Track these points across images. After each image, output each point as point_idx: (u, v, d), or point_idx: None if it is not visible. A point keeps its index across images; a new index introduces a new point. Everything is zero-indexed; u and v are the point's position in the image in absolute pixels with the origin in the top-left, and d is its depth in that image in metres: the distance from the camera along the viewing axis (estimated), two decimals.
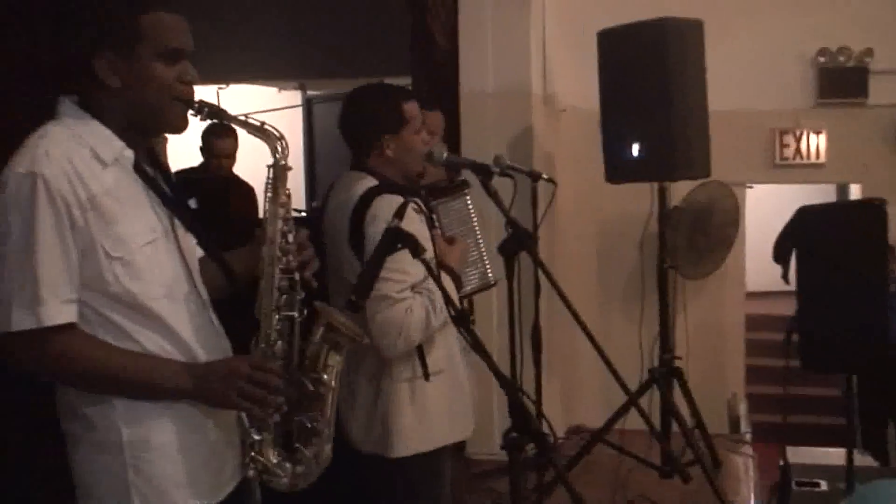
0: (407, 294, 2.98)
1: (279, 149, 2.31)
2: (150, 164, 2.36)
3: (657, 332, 4.93)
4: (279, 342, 2.30)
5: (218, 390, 2.22)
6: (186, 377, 2.21)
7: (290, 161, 2.38)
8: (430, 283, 3.00)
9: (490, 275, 3.41)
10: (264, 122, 2.30)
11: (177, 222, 2.34)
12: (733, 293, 6.13)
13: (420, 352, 3.09)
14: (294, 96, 10.67)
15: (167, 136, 2.45)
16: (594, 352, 2.78)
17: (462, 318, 2.41)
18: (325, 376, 2.38)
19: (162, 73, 2.25)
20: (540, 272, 3.00)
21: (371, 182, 3.11)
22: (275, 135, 2.31)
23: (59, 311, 2.12)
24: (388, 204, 2.99)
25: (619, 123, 4.88)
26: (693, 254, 5.48)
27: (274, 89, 10.75)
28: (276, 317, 2.29)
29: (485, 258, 3.40)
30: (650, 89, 4.70)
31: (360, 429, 3.12)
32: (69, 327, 2.15)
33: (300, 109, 10.08)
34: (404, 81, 5.87)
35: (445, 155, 3.25)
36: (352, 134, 3.25)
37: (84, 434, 2.23)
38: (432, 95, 5.11)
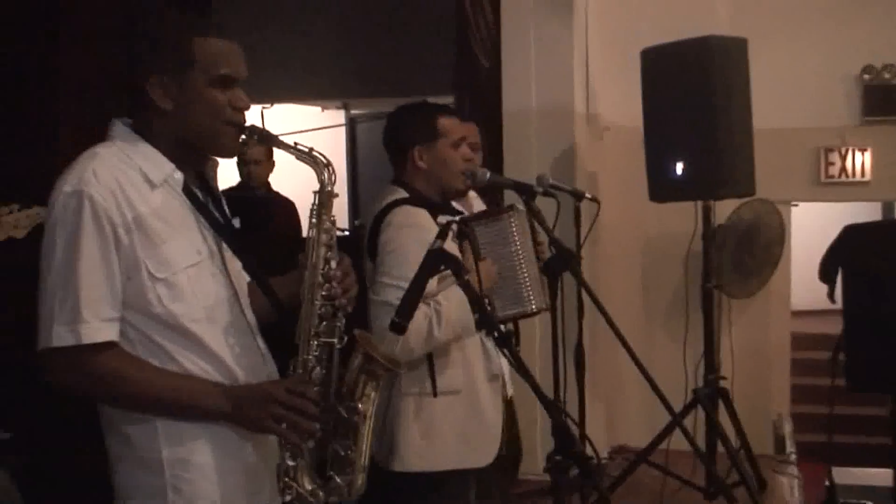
0: None
1: (326, 175, 2.31)
2: (200, 188, 2.38)
3: (702, 352, 4.88)
4: (317, 368, 2.30)
5: (253, 414, 2.22)
6: (224, 399, 2.21)
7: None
8: (440, 295, 3.00)
9: (531, 302, 3.26)
10: (312, 148, 2.31)
11: (224, 246, 2.36)
12: (779, 312, 6.07)
13: (430, 367, 3.07)
14: (337, 115, 10.72)
15: (218, 160, 2.46)
16: (638, 372, 2.76)
17: (504, 340, 2.39)
18: (361, 406, 2.35)
19: (214, 97, 2.27)
20: (584, 292, 2.99)
21: (401, 195, 3.14)
22: (322, 161, 2.31)
23: (99, 329, 2.14)
24: (404, 214, 3.02)
25: (662, 142, 4.86)
26: (738, 273, 5.44)
27: (317, 108, 10.81)
28: (315, 343, 2.29)
29: (526, 284, 3.28)
30: (694, 107, 4.67)
31: (373, 436, 3.10)
32: (109, 346, 2.16)
33: (343, 129, 10.13)
34: (447, 100, 5.89)
35: (489, 175, 3.24)
36: (388, 146, 3.30)
37: (125, 451, 2.24)
38: (475, 114, 5.11)
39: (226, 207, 2.45)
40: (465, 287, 2.41)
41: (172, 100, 2.27)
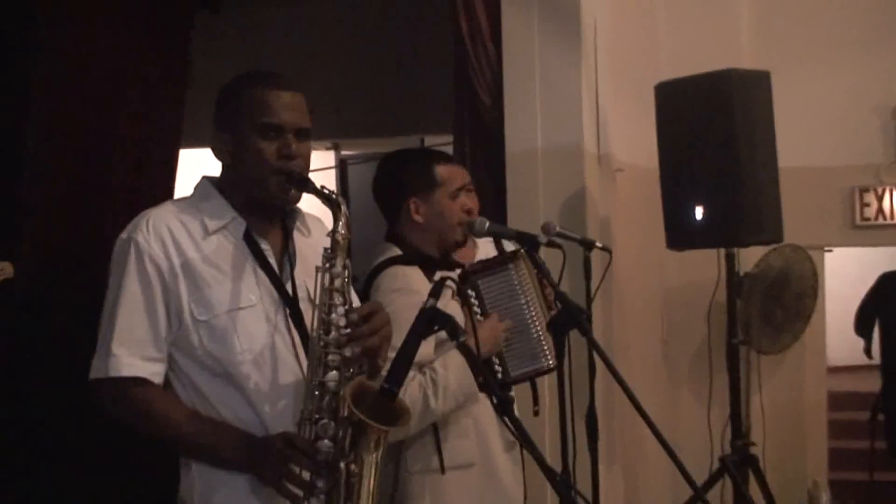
0: None
1: (341, 219, 2.46)
2: (283, 240, 2.63)
3: (728, 414, 4.84)
4: (323, 420, 2.37)
5: (262, 466, 2.39)
6: (244, 450, 2.43)
7: None
8: (437, 362, 2.98)
9: (548, 357, 3.28)
10: (335, 192, 2.49)
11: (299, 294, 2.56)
12: (813, 369, 6.02)
13: (436, 439, 3.04)
14: (327, 156, 10.73)
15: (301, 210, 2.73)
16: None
17: (504, 406, 2.37)
18: (354, 467, 2.35)
19: (260, 147, 2.52)
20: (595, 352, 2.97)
21: (393, 252, 3.13)
22: (339, 205, 2.47)
23: (129, 364, 2.44)
24: (391, 276, 3.05)
25: (680, 184, 4.85)
26: (767, 326, 5.41)
27: None
28: (317, 393, 2.37)
29: (540, 338, 3.29)
30: (714, 146, 4.67)
31: None
32: (142, 381, 2.46)
33: (333, 171, 10.14)
34: (445, 140, 5.90)
35: (487, 225, 3.23)
36: (381, 198, 3.33)
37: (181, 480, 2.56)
38: (476, 155, 5.11)
39: (293, 260, 2.63)
40: (464, 350, 2.41)
41: (230, 153, 2.58)
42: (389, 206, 3.30)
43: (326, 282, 2.43)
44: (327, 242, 2.47)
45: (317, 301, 2.44)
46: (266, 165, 2.52)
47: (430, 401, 2.98)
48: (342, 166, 9.75)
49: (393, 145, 7.96)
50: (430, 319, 2.40)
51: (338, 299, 2.42)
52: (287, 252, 2.63)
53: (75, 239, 4.71)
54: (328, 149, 10.64)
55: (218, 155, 2.61)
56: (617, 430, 5.16)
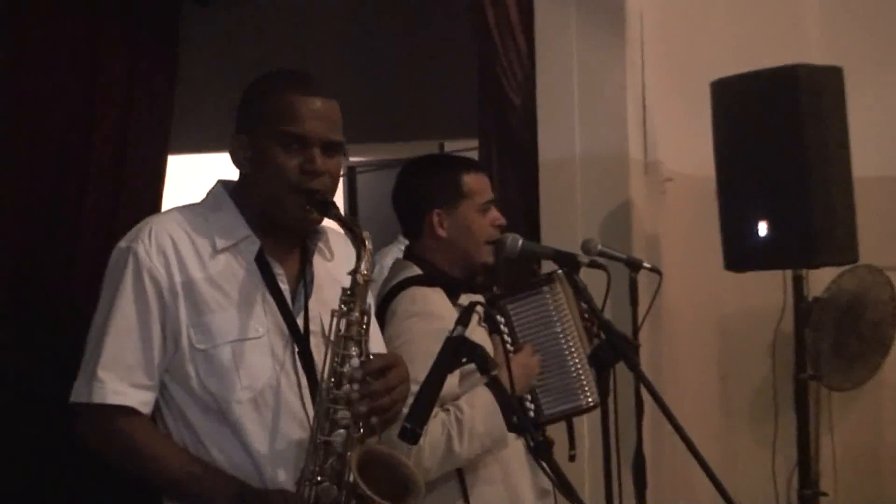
0: None
1: (365, 258, 2.45)
2: (300, 264, 2.63)
3: (796, 460, 4.84)
4: (325, 483, 2.38)
5: None
6: (237, 501, 2.41)
7: None
8: (462, 400, 2.99)
9: (587, 394, 3.32)
10: (360, 225, 2.48)
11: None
12: (892, 408, 6.01)
13: (462, 485, 3.05)
14: None
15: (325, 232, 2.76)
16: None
17: (540, 449, 2.39)
18: None
19: (280, 159, 2.51)
20: (643, 387, 2.98)
21: (412, 272, 3.14)
22: (364, 241, 2.46)
23: (114, 391, 2.44)
24: (410, 299, 3.06)
25: (740, 196, 4.87)
26: (840, 359, 5.40)
27: None
28: (321, 452, 2.39)
29: (578, 372, 3.32)
30: (779, 153, 4.68)
31: None
32: (128, 411, 2.46)
33: (340, 181, 10.18)
34: (468, 146, 5.92)
35: (521, 243, 3.25)
36: (400, 210, 3.35)
37: None
38: (504, 162, 5.13)
39: (308, 289, 2.63)
40: (494, 386, 2.41)
41: (248, 162, 2.58)
42: (410, 219, 3.32)
43: (342, 328, 2.43)
44: (351, 266, 2.46)
45: (329, 350, 2.45)
46: (284, 182, 2.52)
47: (453, 444, 2.99)
48: (350, 175, 9.78)
49: (408, 151, 7.97)
50: (457, 350, 2.41)
51: (353, 349, 2.43)
52: (303, 279, 2.63)
53: (44, 254, 4.69)
54: None
55: (235, 160, 2.62)
56: (667, 478, 5.16)
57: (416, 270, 3.19)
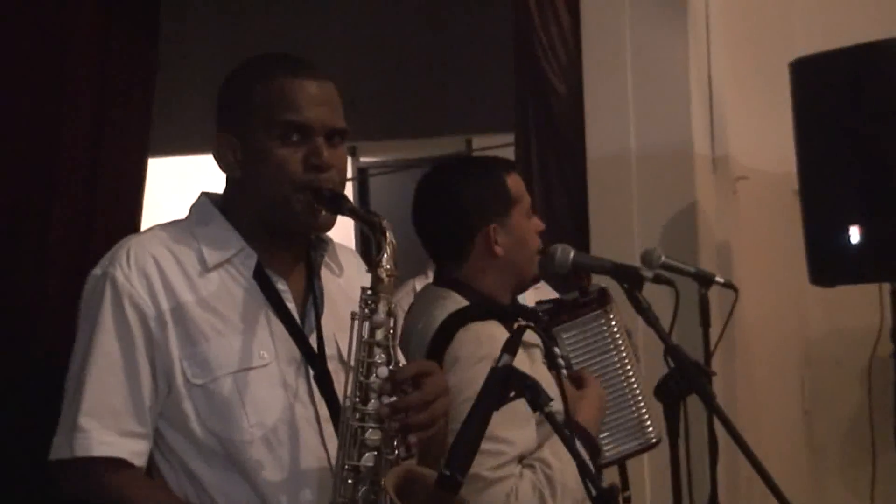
0: (509, 470, 2.93)
1: (387, 249, 2.44)
2: (307, 279, 2.63)
3: None
4: None
5: None
6: None
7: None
8: (546, 452, 2.99)
9: (650, 429, 3.34)
10: (377, 214, 2.47)
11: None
12: None
13: None
14: None
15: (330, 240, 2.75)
16: None
17: (604, 499, 2.40)
18: None
19: (281, 154, 2.51)
20: (717, 421, 2.99)
21: (457, 302, 3.12)
22: (384, 231, 2.46)
23: (100, 441, 2.42)
24: (474, 339, 3.00)
25: (828, 196, 4.88)
26: None
27: None
28: (350, 481, 2.37)
29: (640, 404, 3.34)
30: (874, 145, 4.70)
31: None
32: (119, 464, 2.43)
33: (350, 183, 10.23)
34: (502, 142, 5.93)
35: (572, 255, 3.25)
36: (439, 231, 3.28)
37: None
38: (546, 160, 5.14)
39: (319, 306, 2.63)
40: (560, 425, 2.38)
41: (239, 164, 2.57)
42: (454, 240, 3.23)
43: (365, 333, 2.41)
44: (365, 281, 2.43)
45: (351, 360, 2.41)
46: (288, 180, 2.50)
47: None
48: (361, 177, 9.83)
49: (427, 150, 7.98)
50: (504, 382, 2.38)
51: (380, 356, 2.39)
52: (312, 294, 2.62)
53: (2, 279, 4.69)
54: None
55: (223, 164, 2.59)
56: None
57: (459, 300, 3.12)
